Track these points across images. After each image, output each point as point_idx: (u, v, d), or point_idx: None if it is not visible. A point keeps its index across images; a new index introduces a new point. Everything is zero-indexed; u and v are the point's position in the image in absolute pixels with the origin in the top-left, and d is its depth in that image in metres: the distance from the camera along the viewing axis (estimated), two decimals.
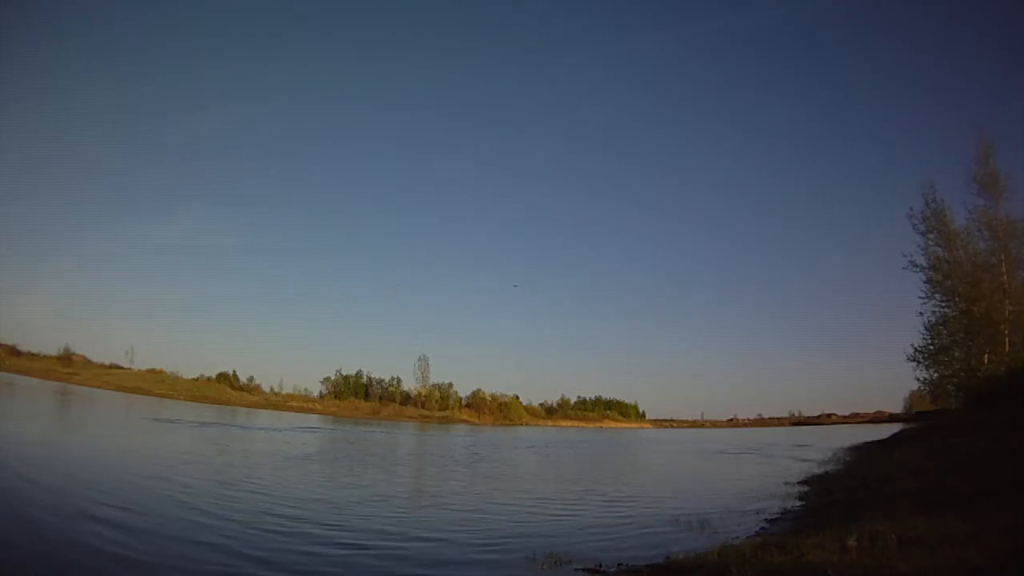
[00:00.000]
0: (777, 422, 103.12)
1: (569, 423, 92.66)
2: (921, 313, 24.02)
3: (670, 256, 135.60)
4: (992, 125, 42.64)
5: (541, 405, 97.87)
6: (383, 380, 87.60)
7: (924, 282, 23.89)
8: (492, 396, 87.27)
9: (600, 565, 5.98)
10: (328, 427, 40.91)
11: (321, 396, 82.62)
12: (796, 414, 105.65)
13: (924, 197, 24.01)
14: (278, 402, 73.96)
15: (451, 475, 15.79)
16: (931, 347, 23.88)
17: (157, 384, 66.02)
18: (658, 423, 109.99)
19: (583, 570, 5.88)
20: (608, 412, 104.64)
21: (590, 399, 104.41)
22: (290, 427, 34.25)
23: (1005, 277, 22.41)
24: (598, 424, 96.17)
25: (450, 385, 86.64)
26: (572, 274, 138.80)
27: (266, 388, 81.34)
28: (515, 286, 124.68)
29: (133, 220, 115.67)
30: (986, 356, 22.16)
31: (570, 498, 11.73)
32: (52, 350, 68.42)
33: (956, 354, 23.28)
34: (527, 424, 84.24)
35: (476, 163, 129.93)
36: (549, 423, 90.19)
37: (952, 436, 14.43)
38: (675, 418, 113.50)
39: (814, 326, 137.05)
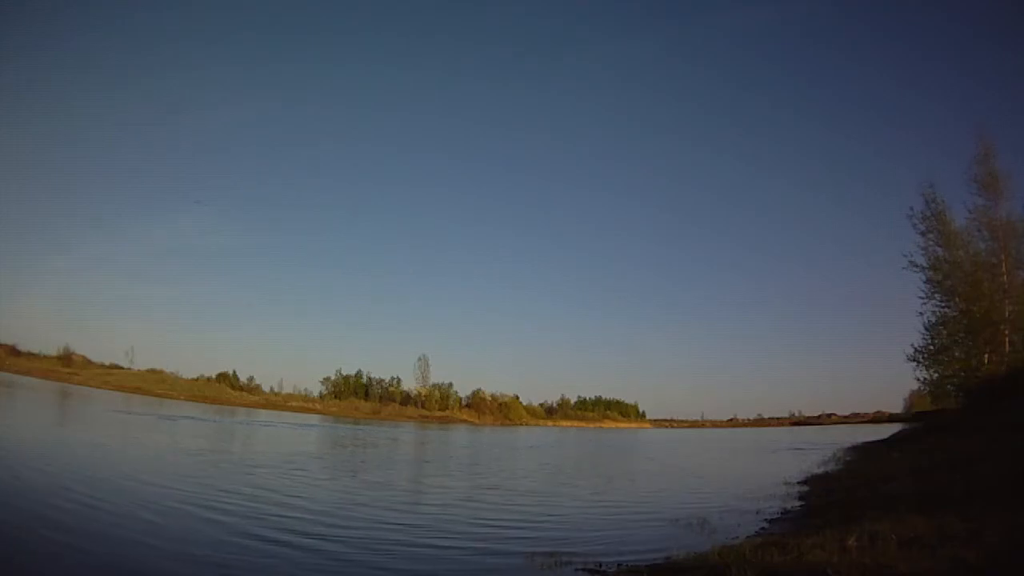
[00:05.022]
0: (777, 422, 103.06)
1: (569, 423, 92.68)
2: (921, 313, 24.01)
3: (670, 256, 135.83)
4: (992, 125, 42.56)
5: (541, 405, 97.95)
6: (383, 380, 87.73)
7: (924, 282, 23.85)
8: (492, 396, 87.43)
9: (600, 565, 5.97)
10: (324, 425, 40.92)
11: (321, 396, 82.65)
12: (796, 414, 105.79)
13: (924, 197, 23.98)
14: (278, 402, 73.94)
15: (450, 475, 15.77)
16: (931, 347, 23.86)
17: (157, 384, 65.99)
18: (658, 423, 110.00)
19: (583, 570, 5.87)
20: (608, 412, 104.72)
21: (590, 399, 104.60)
22: (274, 423, 34.31)
23: (1005, 277, 22.38)
24: (598, 424, 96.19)
25: (450, 385, 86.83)
26: (572, 274, 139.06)
27: (266, 388, 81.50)
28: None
29: (133, 220, 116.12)
30: (986, 356, 22.15)
31: (570, 498, 11.72)
32: (52, 350, 68.52)
33: (956, 354, 23.25)
34: (527, 424, 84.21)
35: (475, 163, 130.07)
36: (549, 423, 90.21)
37: (952, 436, 14.43)
38: (675, 418, 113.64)
39: (814, 326, 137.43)
